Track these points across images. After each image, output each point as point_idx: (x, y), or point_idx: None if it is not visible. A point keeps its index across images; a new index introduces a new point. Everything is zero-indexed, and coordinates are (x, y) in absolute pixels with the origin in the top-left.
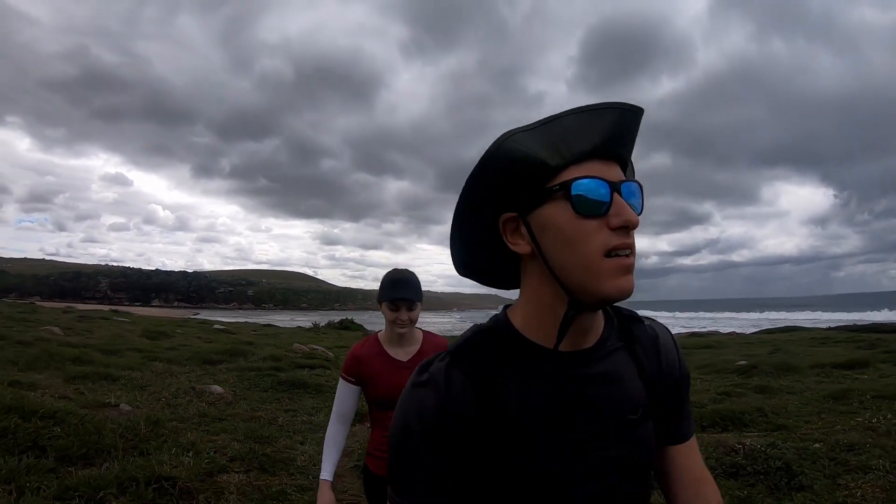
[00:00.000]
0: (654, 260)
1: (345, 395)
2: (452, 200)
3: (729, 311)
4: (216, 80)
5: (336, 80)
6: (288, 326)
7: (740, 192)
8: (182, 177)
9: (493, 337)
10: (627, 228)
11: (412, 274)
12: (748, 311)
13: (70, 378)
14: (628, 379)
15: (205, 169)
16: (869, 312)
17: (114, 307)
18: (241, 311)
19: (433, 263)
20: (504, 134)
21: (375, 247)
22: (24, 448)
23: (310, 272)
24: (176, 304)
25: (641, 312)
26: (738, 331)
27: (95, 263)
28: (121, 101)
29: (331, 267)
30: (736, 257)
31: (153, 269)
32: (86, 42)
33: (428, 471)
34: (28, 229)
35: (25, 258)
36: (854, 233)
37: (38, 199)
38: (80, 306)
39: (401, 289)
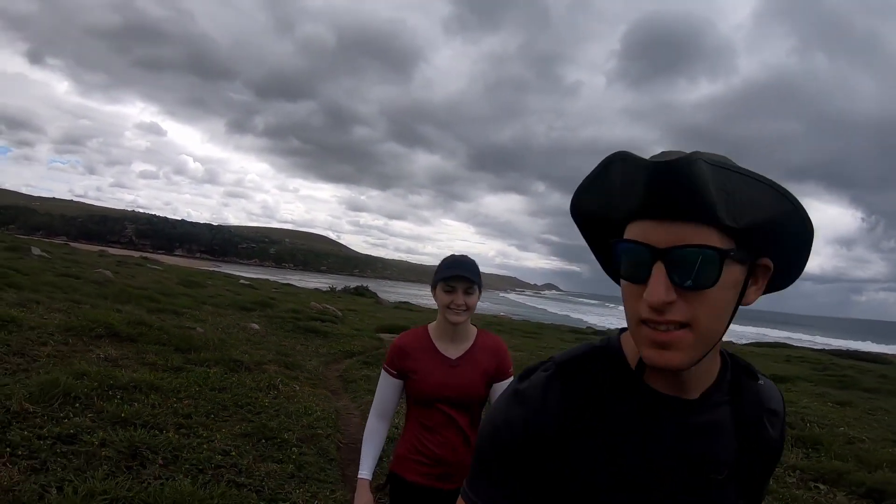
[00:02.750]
0: None
1: (386, 390)
2: (482, 179)
3: (739, 324)
4: (258, 40)
5: (376, 50)
6: (306, 287)
7: None
8: (216, 130)
9: (602, 357)
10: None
11: (470, 259)
12: (756, 326)
13: (150, 311)
14: (722, 436)
15: (239, 125)
16: (881, 344)
17: (141, 254)
18: (261, 269)
19: (455, 240)
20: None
21: (400, 217)
22: (154, 343)
23: (333, 236)
24: (198, 255)
25: None
26: (735, 341)
27: (122, 209)
28: (162, 53)
29: (354, 233)
30: None
31: (179, 218)
32: None
33: (504, 477)
34: (59, 170)
35: (54, 198)
36: (880, 259)
37: (71, 142)
38: (111, 250)
39: (457, 267)
